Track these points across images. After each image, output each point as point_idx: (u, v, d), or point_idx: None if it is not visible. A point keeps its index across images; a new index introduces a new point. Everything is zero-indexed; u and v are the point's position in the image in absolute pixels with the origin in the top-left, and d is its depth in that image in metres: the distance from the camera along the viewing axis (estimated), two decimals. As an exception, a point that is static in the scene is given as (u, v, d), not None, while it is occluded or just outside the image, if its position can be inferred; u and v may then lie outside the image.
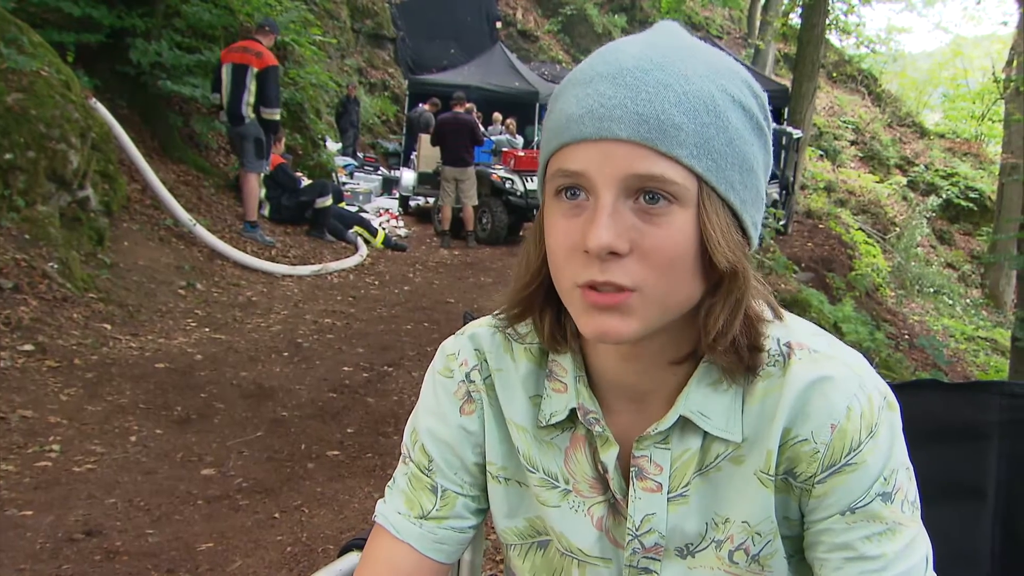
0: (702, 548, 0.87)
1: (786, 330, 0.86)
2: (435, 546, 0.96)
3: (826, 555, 0.83)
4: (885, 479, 0.81)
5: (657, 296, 0.75)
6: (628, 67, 0.74)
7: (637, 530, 0.88)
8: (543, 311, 0.88)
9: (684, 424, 0.85)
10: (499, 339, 0.96)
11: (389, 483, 1.01)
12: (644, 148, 0.72)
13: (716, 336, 0.78)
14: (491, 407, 0.96)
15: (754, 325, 0.82)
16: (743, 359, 0.81)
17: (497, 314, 0.94)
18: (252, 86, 7.53)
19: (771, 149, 0.81)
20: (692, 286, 0.77)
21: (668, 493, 0.87)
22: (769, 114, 0.81)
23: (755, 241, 0.81)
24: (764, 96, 0.81)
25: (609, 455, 0.88)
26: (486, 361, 0.96)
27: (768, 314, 0.85)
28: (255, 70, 7.53)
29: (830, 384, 0.81)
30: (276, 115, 7.78)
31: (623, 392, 0.89)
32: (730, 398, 0.84)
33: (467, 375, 0.96)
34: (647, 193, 0.73)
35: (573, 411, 0.90)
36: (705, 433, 0.85)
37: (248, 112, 7.61)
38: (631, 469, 0.88)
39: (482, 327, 0.98)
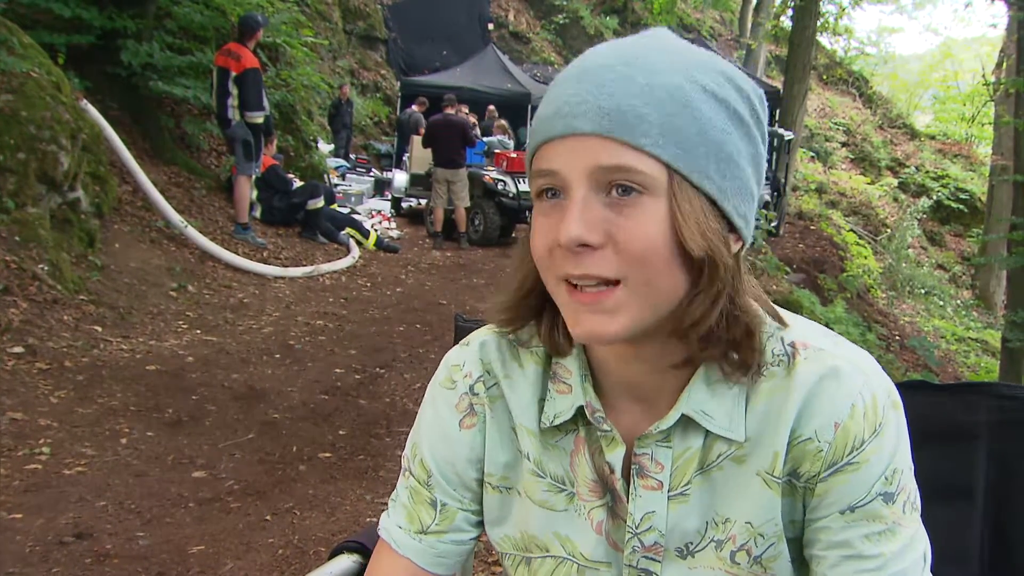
0: (701, 548, 0.87)
1: (790, 330, 0.85)
2: (435, 560, 0.97)
3: (824, 552, 0.83)
4: (887, 479, 0.80)
5: (639, 287, 0.75)
6: (594, 65, 0.76)
7: (637, 528, 0.88)
8: (540, 315, 0.89)
9: (687, 423, 0.85)
10: (505, 346, 0.96)
11: (392, 496, 1.01)
12: (608, 140, 0.73)
13: (692, 324, 0.78)
14: (494, 419, 0.95)
15: (740, 320, 0.80)
16: (728, 356, 0.81)
17: (497, 321, 0.94)
18: (234, 90, 7.52)
19: (759, 141, 0.80)
20: (674, 277, 0.76)
21: (669, 491, 0.87)
22: (758, 107, 0.80)
23: (747, 235, 0.80)
24: (750, 89, 0.80)
25: (615, 455, 0.88)
26: (491, 371, 0.95)
27: (762, 313, 0.84)
28: (234, 74, 7.51)
29: (835, 382, 0.81)
30: (259, 119, 7.71)
31: (627, 392, 0.89)
32: (733, 397, 0.84)
33: (471, 387, 0.96)
34: (619, 186, 0.74)
35: (576, 413, 0.90)
36: (707, 432, 0.85)
37: (234, 115, 7.61)
38: (632, 467, 0.88)
39: (489, 335, 0.97)
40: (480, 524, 1.00)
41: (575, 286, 0.76)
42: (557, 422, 0.91)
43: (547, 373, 0.94)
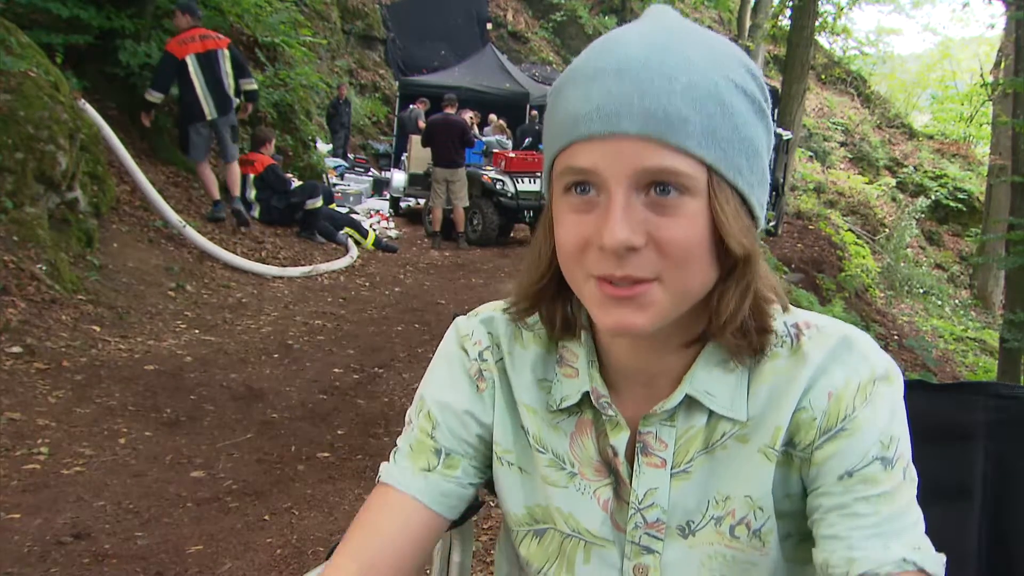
0: (702, 526, 0.88)
1: (792, 313, 0.88)
2: (438, 498, 0.95)
3: (822, 516, 0.83)
4: (884, 444, 0.81)
5: (676, 285, 0.76)
6: (632, 60, 0.74)
7: (640, 504, 0.89)
8: (553, 304, 0.90)
9: (690, 403, 0.87)
10: (509, 324, 0.97)
11: (392, 450, 1.01)
12: (653, 142, 0.73)
13: (727, 320, 0.80)
14: (502, 389, 0.97)
15: (761, 307, 0.83)
16: (751, 342, 0.83)
17: (507, 308, 0.95)
18: (228, 67, 7.60)
19: (772, 128, 0.82)
20: (708, 273, 0.78)
21: (672, 468, 0.88)
22: (767, 91, 0.82)
23: (761, 222, 0.82)
24: (760, 74, 0.81)
25: (619, 439, 0.89)
26: (498, 345, 0.97)
27: (772, 295, 0.86)
28: (224, 51, 7.61)
29: (832, 356, 0.84)
30: (255, 84, 8.04)
31: (633, 376, 0.90)
32: (736, 377, 0.86)
33: (480, 354, 0.97)
34: (658, 185, 0.74)
35: (582, 396, 0.91)
36: (711, 411, 0.86)
37: (233, 94, 7.67)
38: (636, 445, 0.89)
39: (496, 312, 0.99)
40: (482, 476, 0.99)
41: (608, 281, 0.77)
42: (564, 405, 0.92)
43: (551, 355, 0.95)
